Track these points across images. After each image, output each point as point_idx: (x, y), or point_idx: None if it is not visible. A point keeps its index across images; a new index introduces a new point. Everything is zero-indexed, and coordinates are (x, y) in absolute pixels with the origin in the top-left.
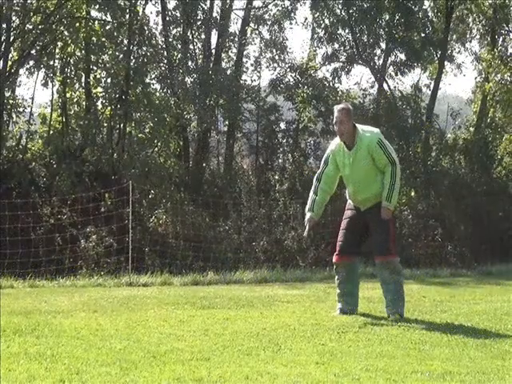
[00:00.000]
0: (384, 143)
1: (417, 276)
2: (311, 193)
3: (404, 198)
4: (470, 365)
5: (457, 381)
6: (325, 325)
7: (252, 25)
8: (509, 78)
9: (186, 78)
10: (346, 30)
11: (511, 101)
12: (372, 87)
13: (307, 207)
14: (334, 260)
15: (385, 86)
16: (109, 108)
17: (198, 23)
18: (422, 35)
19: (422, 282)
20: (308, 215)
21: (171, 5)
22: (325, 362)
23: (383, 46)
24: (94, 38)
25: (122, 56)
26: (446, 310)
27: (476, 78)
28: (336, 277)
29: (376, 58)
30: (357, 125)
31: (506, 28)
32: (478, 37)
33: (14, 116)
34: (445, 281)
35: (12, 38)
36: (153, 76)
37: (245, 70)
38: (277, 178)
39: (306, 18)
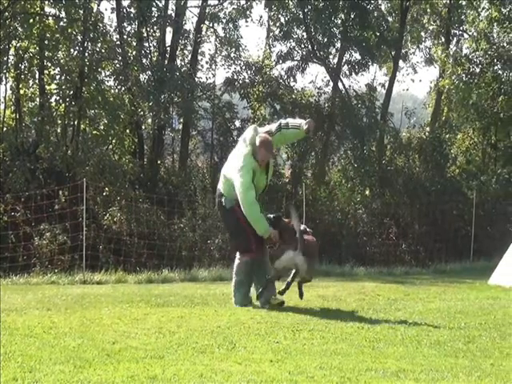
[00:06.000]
0: None
1: (371, 274)
2: (259, 213)
3: (359, 197)
4: (423, 363)
5: (410, 379)
6: (279, 323)
7: (207, 22)
8: (463, 78)
9: (141, 75)
10: (302, 29)
11: (466, 98)
12: (327, 86)
13: (266, 225)
14: (250, 257)
15: (340, 84)
16: (63, 105)
17: (153, 20)
18: (377, 34)
19: (377, 280)
20: (271, 230)
21: (126, 2)
22: (279, 359)
23: (338, 45)
24: (48, 34)
25: (76, 53)
26: (401, 308)
27: (428, 70)
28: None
29: (331, 56)
30: None
31: (461, 28)
32: (432, 37)
33: None
34: (399, 279)
35: None
36: (107, 73)
37: (200, 67)
38: None
39: (262, 16)
